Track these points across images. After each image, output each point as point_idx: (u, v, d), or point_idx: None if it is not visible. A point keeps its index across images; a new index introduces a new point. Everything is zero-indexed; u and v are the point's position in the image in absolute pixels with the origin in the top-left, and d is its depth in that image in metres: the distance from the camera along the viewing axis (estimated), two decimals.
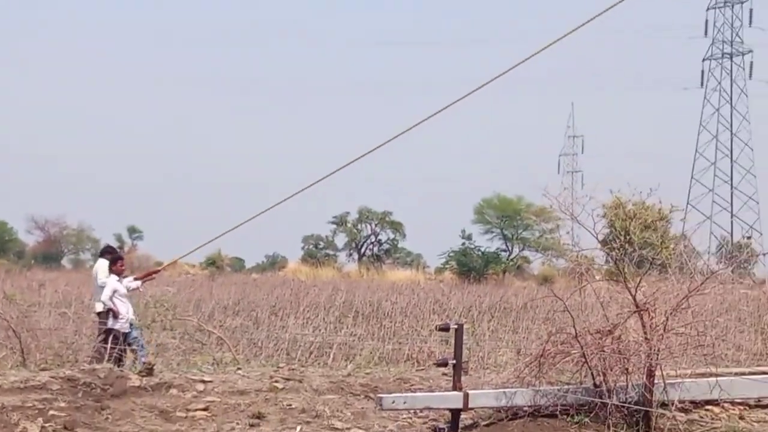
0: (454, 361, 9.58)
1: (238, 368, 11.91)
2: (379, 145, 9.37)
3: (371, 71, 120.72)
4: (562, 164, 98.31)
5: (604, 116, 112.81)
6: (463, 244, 57.34)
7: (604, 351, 9.51)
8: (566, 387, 9.80)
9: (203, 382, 10.53)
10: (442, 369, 10.48)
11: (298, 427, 9.45)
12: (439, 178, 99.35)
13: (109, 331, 13.97)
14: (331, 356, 15.16)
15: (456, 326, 9.76)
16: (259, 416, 9.65)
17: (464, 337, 9.88)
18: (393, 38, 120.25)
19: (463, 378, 9.69)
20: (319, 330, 19.86)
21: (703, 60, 77.54)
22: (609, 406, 9.31)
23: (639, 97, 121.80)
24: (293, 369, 11.90)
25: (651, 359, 9.26)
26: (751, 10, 75.40)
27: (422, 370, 12.56)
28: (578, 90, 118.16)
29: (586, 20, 8.62)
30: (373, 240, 69.78)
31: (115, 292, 14.30)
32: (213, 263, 57.87)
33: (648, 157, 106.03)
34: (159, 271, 17.20)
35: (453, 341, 9.81)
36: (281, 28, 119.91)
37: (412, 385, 11.13)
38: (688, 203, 72.67)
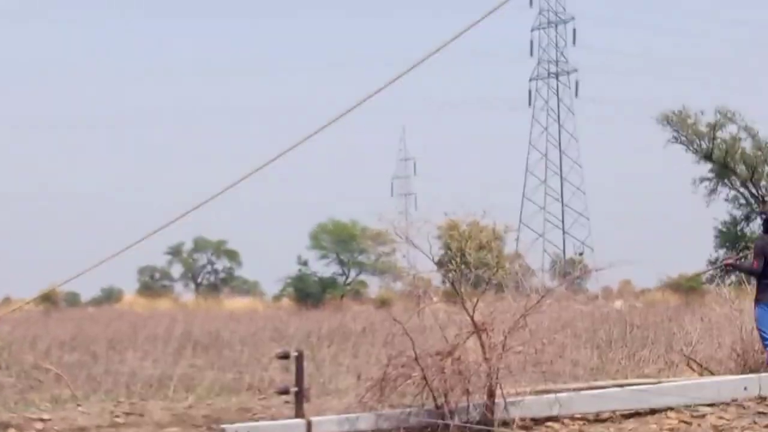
0: (296, 389, 9.47)
1: (78, 404, 11.52)
2: (234, 183, 9.08)
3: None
4: (396, 187, 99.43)
5: (436, 138, 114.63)
6: (300, 270, 57.41)
7: (444, 372, 9.54)
8: (408, 410, 9.79)
9: (42, 420, 10.19)
10: (284, 396, 10.34)
11: None
12: (274, 203, 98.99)
13: None
14: (172, 388, 14.80)
15: (296, 353, 9.66)
16: None
17: (305, 364, 9.79)
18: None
19: (305, 405, 9.57)
20: (158, 362, 19.39)
21: (530, 80, 79.43)
22: (451, 427, 9.34)
23: (469, 118, 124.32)
24: (133, 403, 11.60)
25: (491, 378, 9.34)
26: (574, 30, 77.40)
27: (264, 398, 12.39)
28: (409, 112, 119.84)
29: (434, 49, 8.65)
30: (209, 269, 69.16)
31: None
32: (48, 298, 56.13)
33: (480, 177, 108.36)
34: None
35: (294, 368, 9.71)
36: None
37: (254, 414, 10.97)
38: (520, 222, 74.32)
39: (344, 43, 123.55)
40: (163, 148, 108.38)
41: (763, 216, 13.23)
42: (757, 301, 12.57)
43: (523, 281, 10.63)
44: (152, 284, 66.91)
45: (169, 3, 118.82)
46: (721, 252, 47.47)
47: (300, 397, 9.47)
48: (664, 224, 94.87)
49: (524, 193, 77.27)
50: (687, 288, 44.58)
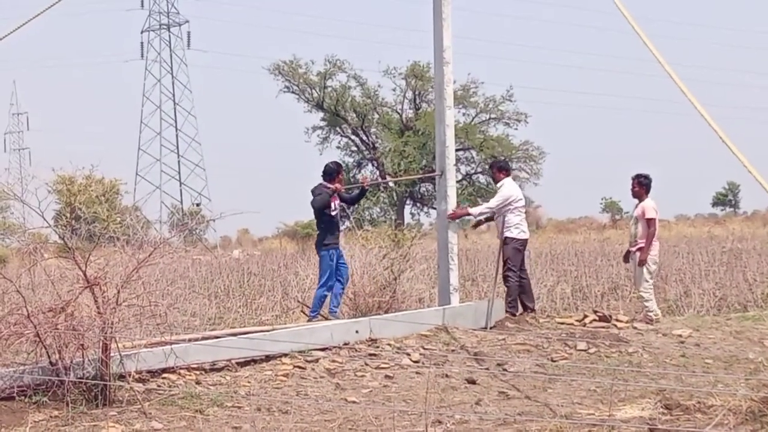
0: None
1: None
2: None
3: None
4: (8, 142, 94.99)
5: (50, 93, 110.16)
6: None
7: (58, 329, 9.31)
8: (23, 368, 9.49)
9: None
10: None
11: None
12: None
13: None
14: None
15: None
16: None
17: None
18: None
19: None
20: None
21: (142, 32, 78.07)
22: (66, 383, 9.14)
23: (82, 72, 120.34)
24: None
25: (105, 333, 9.23)
26: None
27: None
28: (21, 66, 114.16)
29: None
30: None
31: None
32: None
33: (97, 131, 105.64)
34: None
35: None
36: None
37: None
38: (137, 174, 73.40)
39: None
40: None
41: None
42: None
43: (138, 234, 10.52)
44: None
45: None
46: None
47: None
48: (280, 173, 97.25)
49: (140, 146, 76.03)
50: (303, 235, 46.01)
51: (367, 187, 14.54)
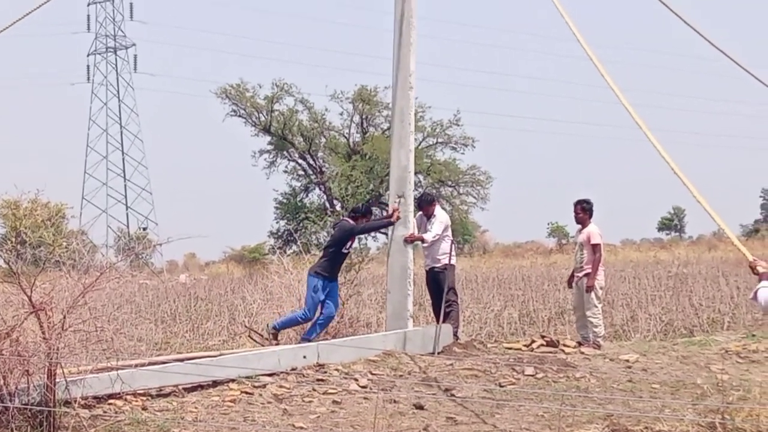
0: None
1: None
2: None
3: None
4: None
5: None
6: None
7: (2, 354, 9.20)
8: None
9: None
10: None
11: None
12: None
13: None
14: None
15: None
16: None
17: None
18: None
19: None
20: None
21: (88, 55, 77.42)
22: (11, 409, 9.03)
23: (26, 95, 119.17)
24: None
25: (51, 358, 9.13)
26: (131, 4, 76.22)
27: None
28: None
29: None
30: None
31: None
32: None
33: (43, 154, 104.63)
34: None
35: None
36: None
37: None
38: (83, 198, 72.65)
39: None
40: None
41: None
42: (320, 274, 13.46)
43: (84, 258, 10.44)
44: None
45: None
46: (282, 223, 49.16)
47: None
48: (227, 197, 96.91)
49: (86, 170, 75.31)
50: (250, 259, 45.81)
51: (394, 221, 14.17)
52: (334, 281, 13.64)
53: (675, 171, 8.63)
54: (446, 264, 14.03)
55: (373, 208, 14.48)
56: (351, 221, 13.84)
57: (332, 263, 13.60)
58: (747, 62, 11.28)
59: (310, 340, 13.05)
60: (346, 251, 13.83)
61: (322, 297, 13.40)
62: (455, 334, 13.85)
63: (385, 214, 14.33)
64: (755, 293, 7.29)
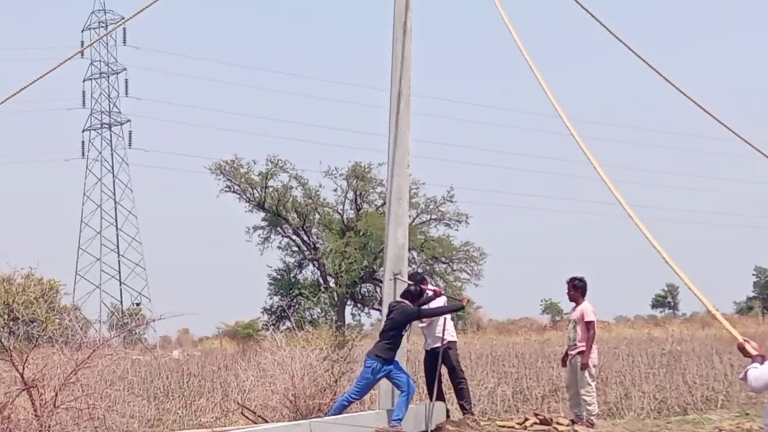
0: None
1: None
2: None
3: None
4: None
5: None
6: None
7: None
8: None
9: None
10: None
11: None
12: None
13: None
14: None
15: None
16: None
17: None
18: None
19: None
20: None
21: (83, 131, 77.78)
22: None
23: (23, 170, 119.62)
24: None
25: None
26: (126, 81, 76.80)
27: None
28: None
29: None
30: None
31: None
32: None
33: (36, 230, 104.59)
34: None
35: None
36: None
37: None
38: (77, 274, 72.50)
39: None
40: None
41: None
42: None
43: (77, 334, 10.43)
44: None
45: None
46: (276, 298, 49.10)
47: None
48: (221, 272, 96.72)
49: (80, 245, 75.26)
50: (244, 335, 45.62)
51: (465, 305, 14.00)
52: (393, 362, 13.11)
53: (666, 259, 8.56)
54: (450, 341, 13.98)
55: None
56: (410, 304, 13.30)
57: (394, 346, 13.13)
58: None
59: (401, 420, 12.69)
60: (406, 332, 13.54)
61: (378, 378, 13.04)
62: (470, 410, 13.79)
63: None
64: (745, 373, 7.32)
